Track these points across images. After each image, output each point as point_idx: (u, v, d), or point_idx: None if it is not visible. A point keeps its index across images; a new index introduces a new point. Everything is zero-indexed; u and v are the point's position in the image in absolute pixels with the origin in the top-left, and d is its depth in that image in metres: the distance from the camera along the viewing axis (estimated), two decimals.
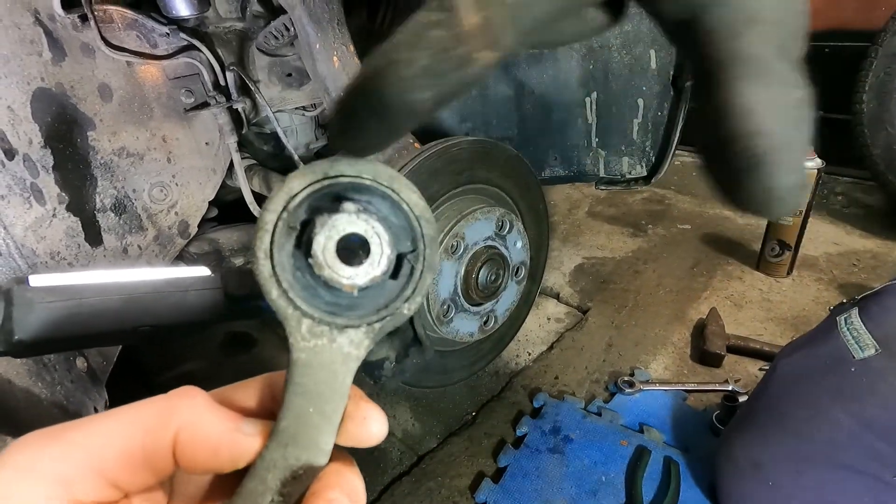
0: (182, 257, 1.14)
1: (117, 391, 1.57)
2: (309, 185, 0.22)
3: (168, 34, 0.96)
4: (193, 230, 1.09)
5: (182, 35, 0.97)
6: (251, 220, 1.28)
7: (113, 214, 0.94)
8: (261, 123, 1.31)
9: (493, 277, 0.96)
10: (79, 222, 0.87)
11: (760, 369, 1.37)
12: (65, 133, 0.84)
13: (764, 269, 1.77)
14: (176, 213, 1.05)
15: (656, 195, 2.47)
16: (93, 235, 0.90)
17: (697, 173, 2.69)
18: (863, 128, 1.82)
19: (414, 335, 0.90)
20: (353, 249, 0.22)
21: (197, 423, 0.23)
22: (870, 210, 2.14)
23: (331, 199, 0.23)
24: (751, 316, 1.59)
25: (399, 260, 0.24)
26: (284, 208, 0.22)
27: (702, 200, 2.38)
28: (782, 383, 0.92)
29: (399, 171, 0.91)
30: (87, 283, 0.45)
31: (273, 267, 0.22)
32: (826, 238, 1.96)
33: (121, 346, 0.93)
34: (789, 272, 1.74)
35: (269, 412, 0.26)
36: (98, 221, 0.91)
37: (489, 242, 0.96)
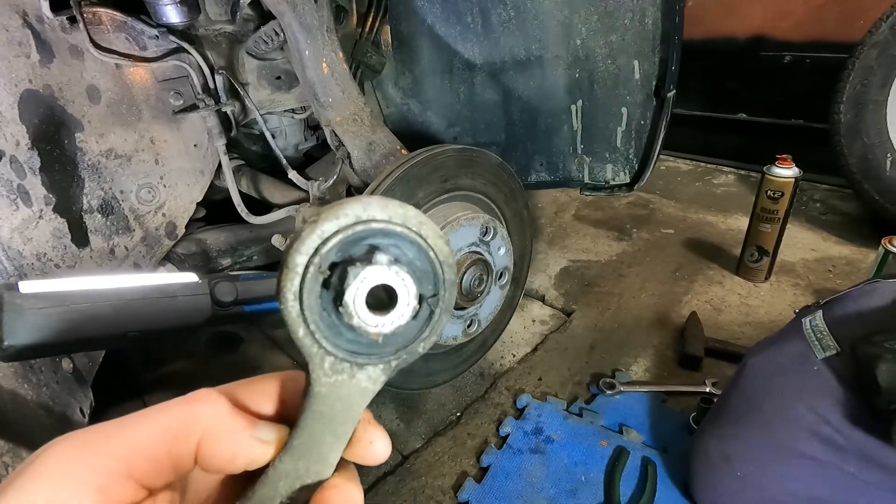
0: (169, 258, 1.15)
1: (101, 391, 1.57)
2: (342, 229, 0.22)
3: (157, 37, 0.97)
4: (181, 231, 1.09)
5: (171, 38, 0.98)
6: (238, 220, 1.29)
7: (100, 216, 0.94)
8: (250, 124, 1.32)
9: (476, 282, 0.99)
10: (65, 223, 0.87)
11: None
12: (52, 135, 0.84)
13: (743, 274, 1.81)
14: (163, 215, 1.06)
15: (641, 199, 2.51)
16: (79, 237, 0.90)
17: (681, 178, 2.74)
18: (840, 137, 1.87)
19: None
20: (379, 296, 0.23)
21: (218, 429, 0.25)
22: (846, 217, 2.20)
23: (360, 244, 0.23)
24: (730, 320, 1.63)
25: (419, 301, 0.24)
26: (316, 252, 0.22)
27: (685, 205, 2.43)
28: (752, 379, 0.96)
29: (386, 177, 0.93)
30: (77, 289, 0.46)
31: (302, 308, 0.22)
32: (803, 244, 2.01)
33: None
34: (767, 277, 1.78)
35: (280, 414, 0.28)
36: (85, 223, 0.91)
37: (473, 248, 0.98)
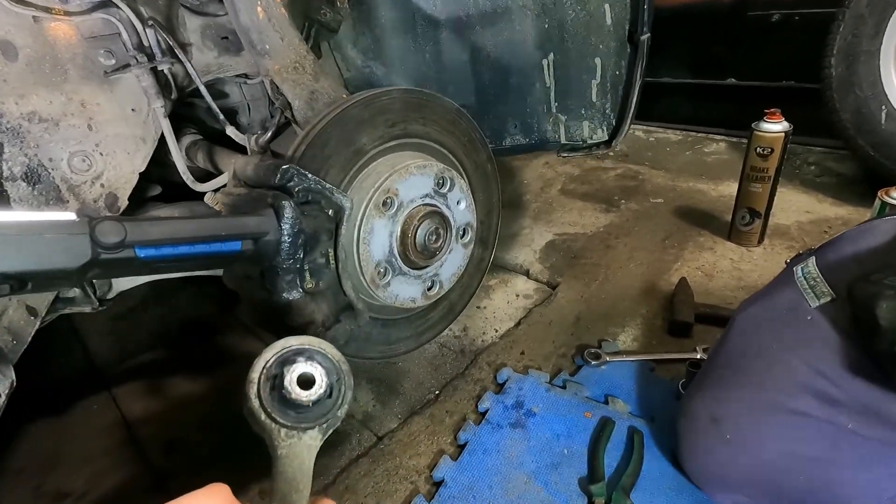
0: None
1: (68, 384, 1.50)
2: (275, 354, 0.37)
3: None
4: (123, 203, 1.02)
5: None
6: (192, 197, 1.21)
7: (24, 184, 0.87)
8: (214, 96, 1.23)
9: (433, 238, 0.91)
10: None
11: None
12: None
13: (735, 238, 1.73)
14: (102, 185, 0.98)
15: (630, 171, 2.43)
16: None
17: (671, 148, 2.66)
18: (832, 92, 1.79)
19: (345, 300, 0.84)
20: (306, 382, 0.36)
21: None
22: (842, 178, 2.12)
23: (290, 357, 0.37)
24: (721, 285, 1.55)
25: (332, 386, 0.38)
26: (264, 368, 0.36)
27: (675, 175, 2.35)
28: (739, 337, 0.88)
29: (321, 120, 0.85)
30: None
31: (261, 402, 0.35)
32: (798, 207, 1.93)
33: (37, 325, 0.86)
34: (760, 241, 1.71)
35: None
36: (6, 191, 0.84)
37: (427, 200, 0.90)
